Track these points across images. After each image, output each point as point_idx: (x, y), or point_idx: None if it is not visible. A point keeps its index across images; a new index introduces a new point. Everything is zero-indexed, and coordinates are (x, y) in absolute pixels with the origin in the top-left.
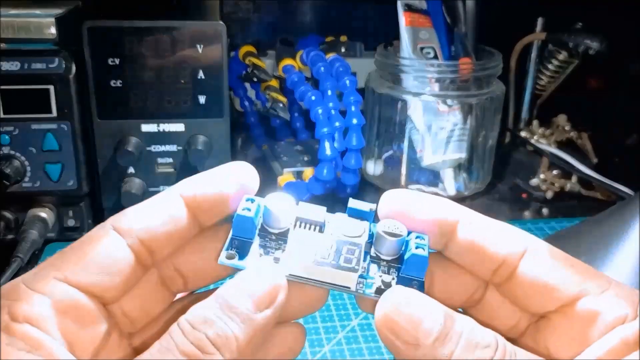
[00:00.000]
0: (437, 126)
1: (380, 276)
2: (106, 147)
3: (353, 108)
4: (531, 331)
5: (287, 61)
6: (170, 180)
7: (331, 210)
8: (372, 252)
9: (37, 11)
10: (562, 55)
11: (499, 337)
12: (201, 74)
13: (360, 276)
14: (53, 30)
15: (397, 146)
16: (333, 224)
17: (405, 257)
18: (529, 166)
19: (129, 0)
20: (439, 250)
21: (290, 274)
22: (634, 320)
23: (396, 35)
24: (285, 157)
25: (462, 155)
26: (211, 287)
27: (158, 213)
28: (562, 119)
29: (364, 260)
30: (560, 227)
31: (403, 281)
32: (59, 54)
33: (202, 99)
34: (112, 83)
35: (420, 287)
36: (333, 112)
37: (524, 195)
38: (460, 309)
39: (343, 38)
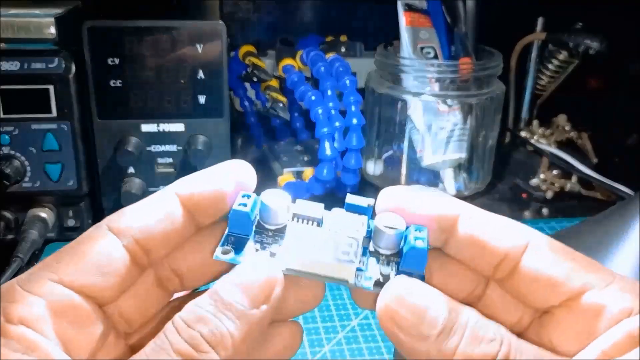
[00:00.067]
0: (437, 126)
1: (379, 270)
2: (106, 147)
3: (353, 108)
4: (534, 327)
5: (287, 61)
6: (170, 180)
7: (330, 209)
8: (371, 246)
9: (37, 11)
10: (562, 55)
11: (504, 330)
12: (201, 74)
13: (359, 269)
14: (53, 30)
15: (397, 146)
16: (331, 219)
17: (404, 250)
18: (529, 166)
19: (129, 0)
20: (439, 246)
21: (287, 268)
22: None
23: (396, 35)
24: (285, 157)
25: (462, 155)
26: (210, 285)
27: (154, 213)
28: (562, 119)
29: (363, 255)
30: (560, 227)
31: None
32: (58, 53)
33: (202, 99)
34: (112, 83)
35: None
36: (333, 112)
37: (524, 195)
38: None
39: (343, 38)
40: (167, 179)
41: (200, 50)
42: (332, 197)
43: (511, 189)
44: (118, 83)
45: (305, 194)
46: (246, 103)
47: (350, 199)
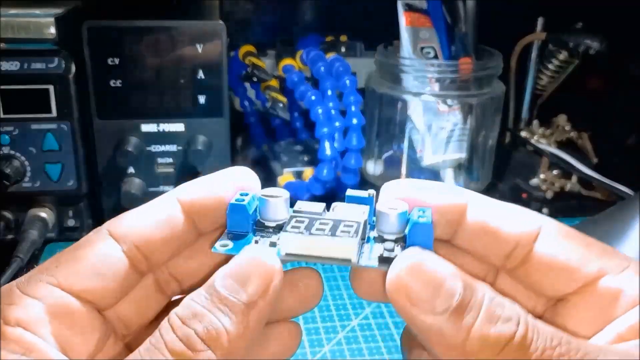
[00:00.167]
0: (437, 126)
1: (384, 247)
2: (106, 147)
3: (353, 108)
4: (548, 315)
5: (287, 61)
6: (170, 180)
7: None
8: (375, 233)
9: (37, 11)
10: (562, 55)
11: (520, 309)
12: (201, 74)
13: (361, 250)
14: (53, 30)
15: (397, 146)
16: (332, 212)
17: (408, 228)
18: (529, 166)
19: (129, 0)
20: (447, 239)
21: (286, 253)
22: None
23: (396, 35)
24: (285, 157)
25: (462, 155)
26: None
27: (155, 218)
28: (562, 119)
29: (367, 242)
30: None
31: None
32: (58, 53)
33: (202, 99)
34: (111, 83)
35: None
36: (333, 112)
37: (524, 195)
38: None
39: (343, 38)
40: (167, 179)
41: (200, 50)
42: (332, 197)
43: (511, 189)
44: (118, 83)
45: (305, 194)
46: (246, 103)
47: (351, 192)
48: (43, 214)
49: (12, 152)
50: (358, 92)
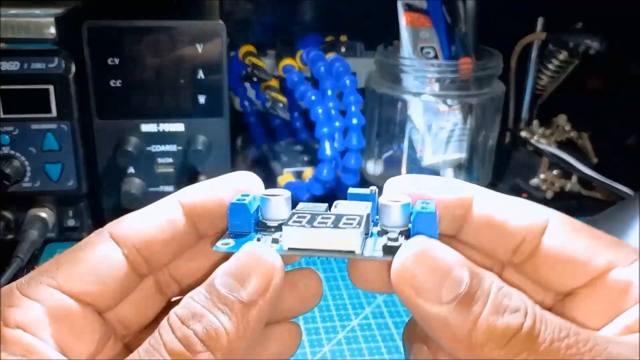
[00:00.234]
0: (437, 126)
1: (388, 237)
2: (106, 147)
3: (353, 108)
4: (556, 309)
5: (287, 61)
6: (170, 180)
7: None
8: (378, 227)
9: (37, 11)
10: (562, 55)
11: (528, 299)
12: (201, 74)
13: (365, 243)
14: (53, 30)
15: (397, 146)
16: (334, 210)
17: (412, 219)
18: (529, 166)
19: (129, 0)
20: (452, 234)
21: (289, 248)
22: None
23: (396, 35)
24: (285, 157)
25: (462, 155)
26: None
27: (156, 221)
28: (562, 119)
29: (371, 236)
30: None
31: None
32: (58, 53)
33: (202, 99)
34: (111, 83)
35: None
36: (333, 112)
37: (524, 195)
38: None
39: (343, 38)
40: (167, 179)
41: (200, 50)
42: (332, 197)
43: (511, 189)
44: (118, 83)
45: (305, 194)
46: (246, 103)
47: (353, 190)
48: (43, 214)
49: (12, 152)
50: (358, 92)
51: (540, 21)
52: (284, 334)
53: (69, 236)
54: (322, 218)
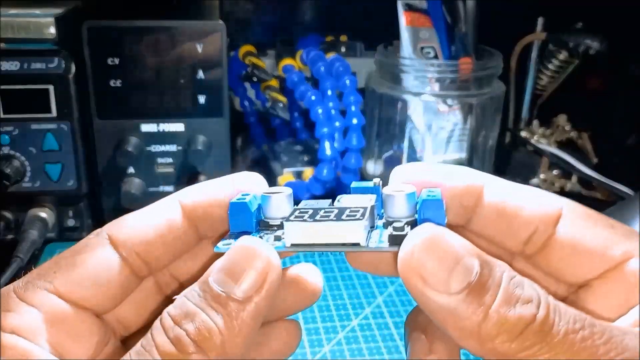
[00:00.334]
0: (437, 126)
1: (393, 226)
2: (106, 147)
3: (353, 108)
4: (570, 302)
5: (287, 61)
6: (170, 180)
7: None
8: (384, 220)
9: (37, 11)
10: (562, 55)
11: (541, 289)
12: (201, 74)
13: (369, 235)
14: (52, 30)
15: (397, 146)
16: (337, 204)
17: (417, 208)
18: (529, 166)
19: (129, 0)
20: (461, 224)
21: (291, 244)
22: None
23: (396, 35)
24: (285, 157)
25: (462, 155)
26: None
27: (156, 223)
28: (562, 119)
29: (376, 228)
30: None
31: None
32: (58, 53)
33: (201, 99)
34: (111, 83)
35: None
36: (333, 112)
37: None
38: None
39: (343, 38)
40: (167, 179)
41: (200, 50)
42: (332, 197)
43: None
44: (118, 83)
45: (305, 194)
46: (246, 103)
47: (356, 184)
48: (43, 214)
49: (12, 152)
50: (358, 92)
51: (540, 21)
52: (283, 332)
53: (69, 236)
54: (325, 212)
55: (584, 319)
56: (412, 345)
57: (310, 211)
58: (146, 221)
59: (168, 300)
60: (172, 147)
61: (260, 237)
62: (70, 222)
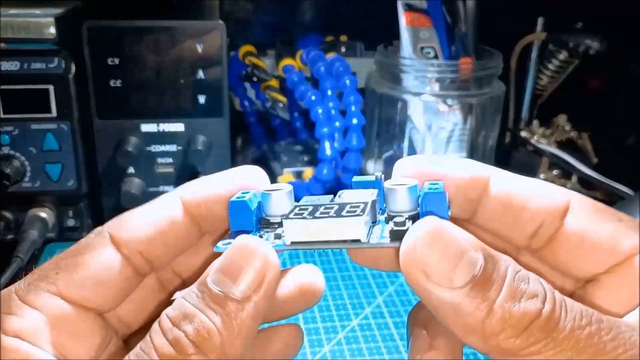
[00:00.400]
0: (437, 126)
1: (394, 221)
2: (106, 147)
3: (353, 108)
4: (577, 297)
5: (287, 61)
6: (170, 180)
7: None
8: (385, 215)
9: (37, 11)
10: (562, 55)
11: (546, 284)
12: (201, 74)
13: (371, 231)
14: (52, 30)
15: (397, 146)
16: (337, 200)
17: (419, 201)
18: (529, 166)
19: (129, 0)
20: (466, 218)
21: (291, 242)
22: None
23: (396, 35)
24: (285, 157)
25: (462, 155)
26: None
27: (157, 221)
28: (562, 119)
29: (378, 223)
30: None
31: None
32: (58, 53)
33: (201, 99)
34: (111, 83)
35: None
36: (333, 112)
37: None
38: None
39: (343, 38)
40: (167, 179)
41: (200, 50)
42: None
43: None
44: (118, 83)
45: (305, 194)
46: (246, 103)
47: (357, 178)
48: (43, 214)
49: (12, 152)
50: (358, 92)
51: (540, 21)
52: (285, 337)
53: (69, 236)
54: (325, 209)
55: (591, 315)
56: (413, 341)
57: (310, 208)
58: (147, 219)
59: (171, 296)
60: (172, 147)
61: (261, 235)
62: (70, 222)
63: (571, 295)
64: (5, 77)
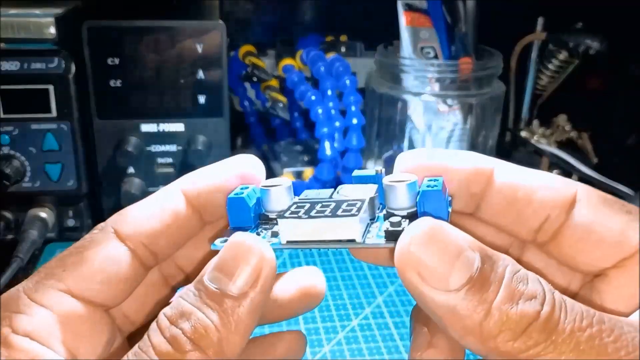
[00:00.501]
0: (437, 126)
1: (391, 221)
2: (106, 147)
3: (353, 108)
4: (584, 292)
5: (287, 61)
6: (170, 180)
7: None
8: (384, 211)
9: (37, 11)
10: (562, 55)
11: (546, 284)
12: (201, 74)
13: (368, 229)
14: (53, 30)
15: (397, 146)
16: (336, 195)
17: (417, 199)
18: (529, 166)
19: (129, 0)
20: (470, 212)
21: (287, 241)
22: None
23: (396, 35)
24: (285, 157)
25: None
26: None
27: (160, 214)
28: (562, 119)
29: (376, 220)
30: None
31: None
32: (58, 53)
33: (201, 99)
34: (111, 83)
35: None
36: (333, 112)
37: None
38: None
39: (343, 38)
40: (167, 179)
41: (200, 50)
42: None
43: None
44: (118, 83)
45: None
46: (246, 103)
47: (357, 172)
48: (43, 214)
49: (12, 152)
50: (358, 92)
51: (540, 21)
52: (288, 343)
53: (69, 236)
54: (321, 206)
55: (592, 315)
56: (414, 338)
57: (307, 205)
58: (150, 211)
59: (173, 293)
60: (172, 147)
61: (258, 233)
62: (70, 222)
63: (578, 290)
64: (5, 77)
